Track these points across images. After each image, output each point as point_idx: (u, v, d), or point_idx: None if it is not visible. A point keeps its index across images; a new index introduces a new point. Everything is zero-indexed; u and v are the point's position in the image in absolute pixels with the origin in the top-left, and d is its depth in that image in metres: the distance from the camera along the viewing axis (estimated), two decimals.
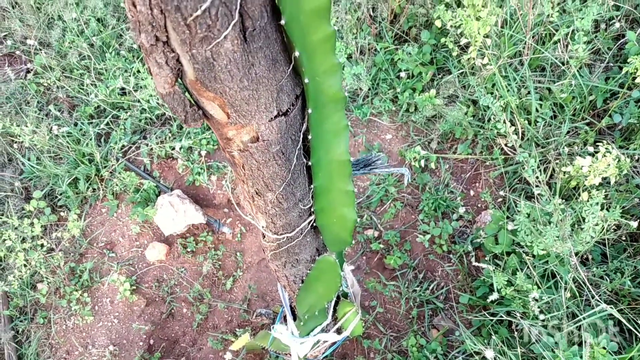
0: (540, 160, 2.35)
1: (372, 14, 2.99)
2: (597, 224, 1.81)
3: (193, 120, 0.74)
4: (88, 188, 2.75)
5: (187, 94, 0.73)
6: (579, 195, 2.02)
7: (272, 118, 0.76)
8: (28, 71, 3.30)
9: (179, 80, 0.68)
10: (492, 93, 2.51)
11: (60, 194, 2.75)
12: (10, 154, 2.95)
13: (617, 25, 2.44)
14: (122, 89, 3.01)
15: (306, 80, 0.75)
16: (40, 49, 3.27)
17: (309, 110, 0.80)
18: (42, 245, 2.50)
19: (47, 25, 3.40)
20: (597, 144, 2.02)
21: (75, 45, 3.21)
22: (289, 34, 0.68)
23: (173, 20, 0.56)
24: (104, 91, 2.94)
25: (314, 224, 1.10)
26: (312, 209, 1.05)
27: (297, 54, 0.70)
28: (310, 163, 0.90)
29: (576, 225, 1.93)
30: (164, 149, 2.77)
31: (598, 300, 1.73)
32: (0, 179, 2.85)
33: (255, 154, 0.80)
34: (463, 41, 2.20)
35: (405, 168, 1.05)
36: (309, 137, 0.85)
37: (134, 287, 2.50)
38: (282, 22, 0.65)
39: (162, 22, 0.57)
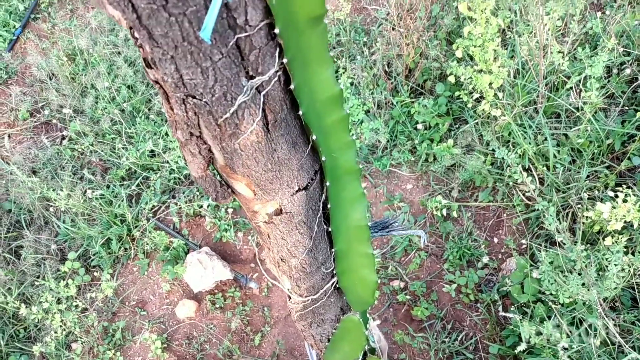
0: (562, 205, 2.37)
1: (387, 69, 3.11)
2: (622, 269, 1.80)
3: (223, 198, 0.82)
4: (120, 248, 2.85)
5: (217, 174, 0.81)
6: (604, 239, 2.02)
7: (293, 193, 0.83)
8: (63, 138, 3.49)
9: (210, 165, 0.76)
10: (508, 142, 2.56)
11: (94, 255, 2.85)
12: (47, 218, 3.09)
13: (628, 70, 2.49)
14: (152, 151, 3.16)
15: (323, 159, 0.82)
16: (75, 117, 3.47)
17: (327, 183, 0.87)
18: (76, 306, 2.59)
19: (81, 94, 3.62)
20: (619, 187, 2.03)
21: (107, 112, 3.40)
22: (306, 120, 0.76)
23: (205, 121, 0.64)
24: (135, 154, 3.09)
25: (337, 286, 1.15)
26: (334, 272, 1.10)
27: (314, 137, 0.78)
28: (330, 229, 0.96)
29: (602, 272, 1.93)
30: (192, 208, 2.87)
31: (630, 348, 1.71)
32: (37, 241, 2.98)
33: (279, 225, 0.87)
34: (477, 94, 2.28)
35: (421, 230, 1.10)
36: (328, 205, 0.91)
37: (165, 345, 2.55)
38: (300, 112, 0.73)
39: (196, 122, 0.65)
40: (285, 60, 0.63)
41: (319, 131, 0.79)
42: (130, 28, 0.52)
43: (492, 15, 2.92)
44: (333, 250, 1.04)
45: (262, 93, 0.65)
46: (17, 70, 3.98)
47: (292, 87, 0.68)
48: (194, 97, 0.60)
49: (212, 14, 0.48)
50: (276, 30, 0.58)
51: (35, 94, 3.77)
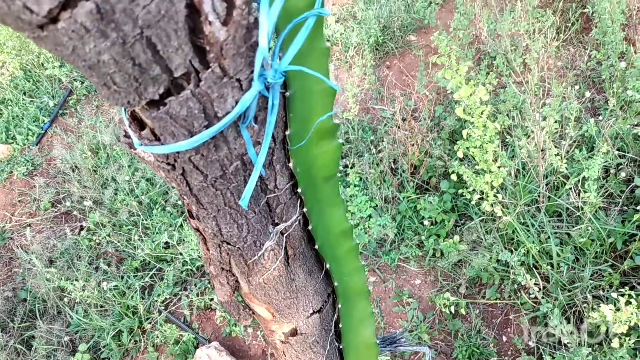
0: (567, 304, 2.40)
1: (393, 166, 3.27)
2: None
3: (244, 319, 0.90)
4: (130, 340, 2.87)
5: (240, 299, 0.90)
6: (611, 341, 2.04)
7: (308, 316, 0.92)
8: (82, 228, 3.61)
9: (236, 292, 0.85)
10: (512, 239, 2.64)
11: (104, 347, 2.87)
12: (60, 308, 3.14)
13: (623, 174, 2.61)
14: (166, 242, 3.26)
15: (335, 284, 0.91)
16: (95, 208, 3.61)
17: (339, 305, 0.95)
18: None
19: (102, 186, 3.79)
20: (625, 286, 2.08)
21: (125, 203, 3.54)
22: (321, 252, 0.86)
23: (236, 261, 0.74)
24: (150, 245, 3.19)
25: None
26: None
27: (328, 265, 0.87)
28: (341, 346, 1.03)
29: None
30: (203, 301, 2.92)
31: None
32: (49, 332, 3.01)
33: (295, 345, 0.95)
34: (478, 195, 2.39)
35: (427, 347, 1.16)
36: (340, 325, 0.99)
37: None
38: (316, 246, 0.83)
39: (227, 260, 0.75)
40: (305, 210, 0.74)
41: (332, 260, 0.89)
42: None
43: (492, 117, 3.11)
44: None
45: (285, 235, 0.76)
46: (43, 162, 4.20)
47: (310, 227, 0.79)
48: (228, 244, 0.71)
49: (250, 188, 0.60)
50: (299, 190, 0.70)
51: (57, 185, 3.95)
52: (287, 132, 0.61)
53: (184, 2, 0.41)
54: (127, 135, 0.59)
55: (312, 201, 0.74)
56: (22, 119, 4.57)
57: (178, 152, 0.53)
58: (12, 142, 4.39)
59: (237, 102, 0.50)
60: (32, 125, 4.45)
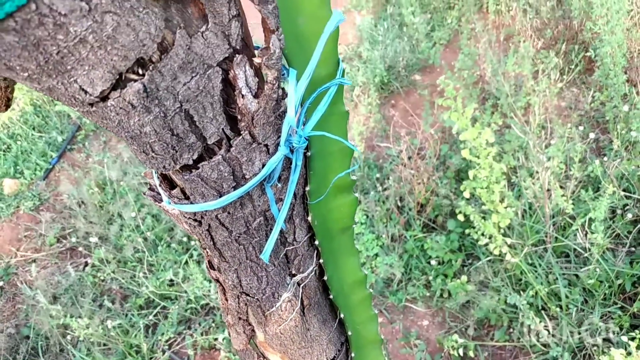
0: (577, 347, 2.37)
1: (399, 204, 3.28)
2: None
3: None
4: None
5: (255, 346, 0.90)
6: None
7: None
8: (86, 264, 3.61)
9: (251, 340, 0.86)
10: (520, 280, 2.63)
11: None
12: (63, 345, 3.11)
13: (630, 215, 2.61)
14: (171, 280, 3.25)
15: (349, 333, 0.92)
16: (101, 245, 3.62)
17: (352, 354, 0.95)
18: None
19: (108, 222, 3.80)
20: (635, 329, 2.06)
21: (131, 240, 3.55)
22: (335, 301, 0.87)
23: (254, 312, 0.75)
24: (155, 282, 3.18)
25: None
26: None
27: (342, 315, 0.88)
28: None
29: None
30: (207, 340, 2.89)
31: None
32: None
33: None
34: (486, 238, 2.39)
35: None
36: None
37: None
38: (331, 296, 0.84)
39: (245, 310, 0.76)
40: (321, 261, 0.76)
41: (345, 309, 0.89)
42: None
43: (497, 156, 3.14)
44: None
45: (302, 285, 0.77)
46: (50, 197, 4.23)
47: (325, 277, 0.80)
48: (247, 295, 0.72)
49: (272, 242, 0.62)
50: (316, 242, 0.71)
51: (64, 221, 3.97)
52: (307, 189, 0.64)
53: (220, 78, 0.44)
54: (151, 189, 0.62)
55: (328, 252, 0.76)
56: (31, 153, 4.64)
57: (205, 210, 0.55)
58: (20, 177, 4.44)
59: (263, 165, 0.52)
60: (40, 160, 4.50)
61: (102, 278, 3.42)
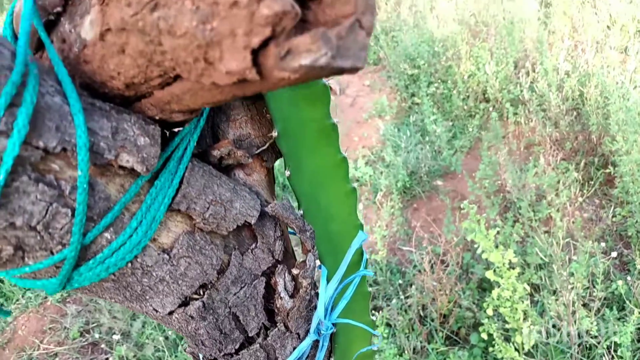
0: None
1: (422, 314, 3.26)
2: None
3: None
4: None
5: None
6: None
7: None
8: None
9: None
10: None
11: None
12: None
13: None
14: None
15: None
16: (123, 342, 3.64)
17: None
18: None
19: (131, 317, 3.85)
20: None
21: (152, 338, 3.57)
22: None
23: None
24: None
25: None
26: None
27: None
28: None
29: None
30: None
31: None
32: None
33: None
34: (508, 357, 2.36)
35: None
36: None
37: None
38: None
39: None
40: None
41: None
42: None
43: (520, 271, 3.14)
44: None
45: None
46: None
47: None
48: None
49: None
50: None
51: (88, 314, 4.03)
52: (331, 359, 0.70)
53: (263, 285, 0.53)
54: (193, 354, 0.69)
55: None
56: None
57: None
58: None
59: (294, 348, 0.60)
60: None
61: None
